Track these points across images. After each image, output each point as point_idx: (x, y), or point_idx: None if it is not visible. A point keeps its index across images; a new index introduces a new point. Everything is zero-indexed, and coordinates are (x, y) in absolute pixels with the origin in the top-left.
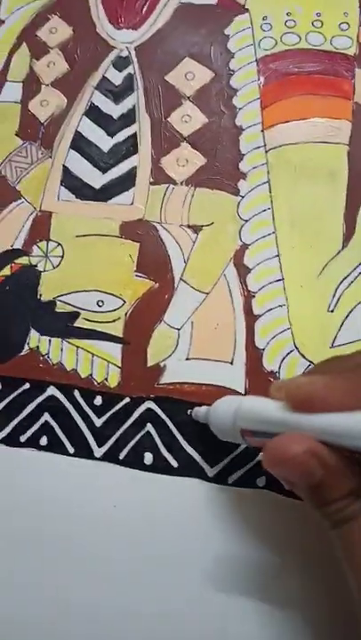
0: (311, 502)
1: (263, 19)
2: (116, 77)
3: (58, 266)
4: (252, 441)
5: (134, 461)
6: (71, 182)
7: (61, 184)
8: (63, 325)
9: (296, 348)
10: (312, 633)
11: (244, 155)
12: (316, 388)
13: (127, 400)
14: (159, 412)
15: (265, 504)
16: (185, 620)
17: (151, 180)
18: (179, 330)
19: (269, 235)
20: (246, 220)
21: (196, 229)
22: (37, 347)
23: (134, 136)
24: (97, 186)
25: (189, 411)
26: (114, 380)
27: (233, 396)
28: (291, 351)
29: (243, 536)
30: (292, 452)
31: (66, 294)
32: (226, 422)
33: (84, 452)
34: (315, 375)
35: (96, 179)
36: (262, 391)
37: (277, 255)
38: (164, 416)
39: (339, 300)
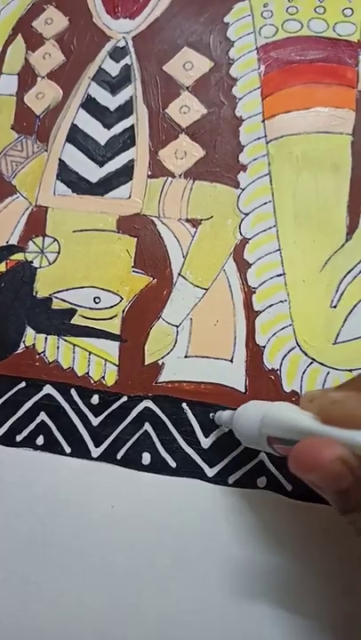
0: (338, 508)
1: (264, 6)
2: (113, 68)
3: (54, 262)
4: (279, 448)
5: (132, 461)
6: (67, 176)
7: (57, 178)
8: (59, 323)
9: (298, 345)
10: (315, 630)
11: (244, 146)
12: (351, 406)
13: (125, 399)
14: (157, 411)
15: (266, 504)
16: (185, 620)
17: (149, 172)
18: (177, 327)
19: (270, 228)
20: (247, 214)
21: (195, 223)
22: (33, 344)
23: (132, 128)
24: (94, 180)
25: (211, 414)
26: (111, 379)
27: (259, 401)
28: (292, 348)
29: (243, 536)
30: (323, 457)
31: (62, 291)
32: (252, 428)
33: (80, 451)
34: (348, 391)
35: (93, 172)
36: (263, 390)
37: (278, 249)
38: (162, 415)
39: (342, 295)
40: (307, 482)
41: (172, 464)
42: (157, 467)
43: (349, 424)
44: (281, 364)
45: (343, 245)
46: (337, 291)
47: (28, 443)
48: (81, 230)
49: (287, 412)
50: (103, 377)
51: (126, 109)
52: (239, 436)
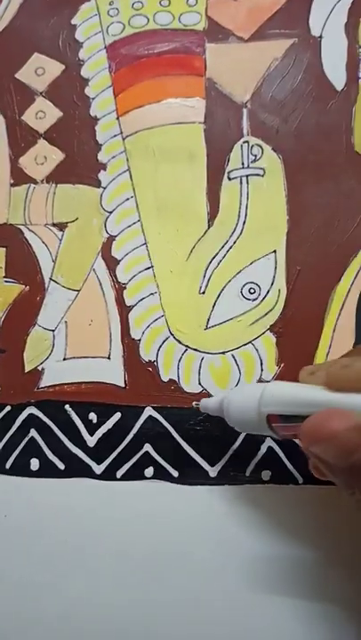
0: (348, 485)
1: (110, 4)
2: None
3: None
4: (279, 428)
5: (21, 469)
6: None
7: None
8: None
9: (171, 334)
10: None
11: (101, 145)
12: (360, 367)
13: (8, 408)
14: (42, 416)
15: (155, 493)
16: (81, 619)
17: (11, 181)
18: (53, 331)
19: (135, 223)
20: (110, 212)
21: (62, 227)
22: None
23: None
24: None
25: (194, 403)
26: None
27: (248, 384)
28: (167, 338)
29: (138, 527)
30: (338, 427)
31: None
32: (249, 410)
33: None
34: (356, 355)
35: None
36: (142, 382)
37: (145, 243)
38: (46, 419)
39: (209, 280)
40: (316, 460)
41: (61, 466)
42: (46, 471)
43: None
44: (157, 354)
45: (206, 232)
46: (204, 277)
47: None
48: None
49: (290, 386)
50: None
51: None
52: (232, 422)
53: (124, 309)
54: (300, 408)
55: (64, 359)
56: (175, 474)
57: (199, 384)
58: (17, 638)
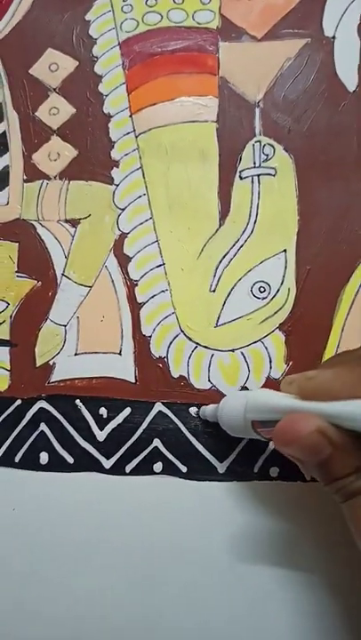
0: (321, 479)
1: (123, 0)
2: None
3: None
4: (263, 432)
5: (30, 462)
6: None
7: None
8: None
9: (182, 331)
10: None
11: (114, 142)
12: (325, 379)
13: (19, 402)
14: (52, 410)
15: (163, 488)
16: (87, 616)
17: (24, 177)
18: (65, 326)
19: (147, 221)
20: (123, 209)
21: (74, 223)
22: None
23: (4, 134)
24: None
25: (195, 411)
26: (3, 384)
27: (240, 391)
28: (177, 335)
29: (146, 522)
30: (302, 430)
31: None
32: (237, 417)
33: None
34: (324, 368)
35: None
36: (152, 378)
37: (156, 241)
38: (57, 414)
39: (220, 279)
40: (292, 459)
41: (70, 460)
42: (56, 465)
43: (324, 396)
44: (167, 351)
45: (217, 231)
46: (215, 275)
47: None
48: None
49: (269, 395)
50: None
51: None
52: (226, 427)
53: (135, 306)
54: (275, 414)
55: (75, 354)
56: (184, 469)
57: (209, 381)
58: (23, 631)
